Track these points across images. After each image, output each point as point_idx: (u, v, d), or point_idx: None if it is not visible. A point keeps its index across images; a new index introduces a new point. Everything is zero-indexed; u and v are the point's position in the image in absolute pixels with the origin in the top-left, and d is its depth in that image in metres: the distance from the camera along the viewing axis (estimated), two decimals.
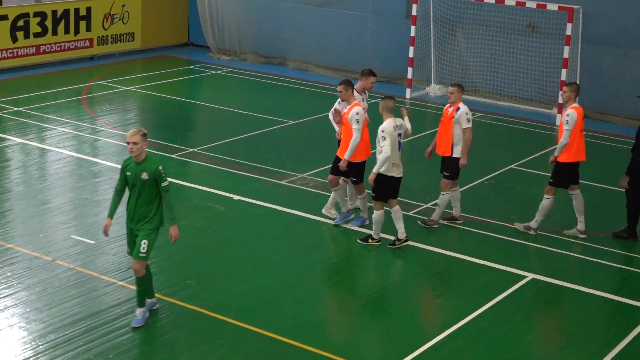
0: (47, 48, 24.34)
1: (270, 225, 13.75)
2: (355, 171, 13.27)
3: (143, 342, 10.12)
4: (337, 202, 13.82)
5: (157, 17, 27.20)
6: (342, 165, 13.15)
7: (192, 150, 17.27)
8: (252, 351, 9.99)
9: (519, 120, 21.06)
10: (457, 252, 12.97)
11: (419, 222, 13.80)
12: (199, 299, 11.10)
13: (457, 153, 13.47)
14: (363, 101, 13.61)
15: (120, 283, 11.39)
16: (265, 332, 10.37)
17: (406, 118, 13.12)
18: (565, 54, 20.83)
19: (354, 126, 12.93)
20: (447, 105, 13.73)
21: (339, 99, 13.45)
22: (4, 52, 23.31)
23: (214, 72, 25.07)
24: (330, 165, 13.60)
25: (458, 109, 13.46)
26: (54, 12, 24.30)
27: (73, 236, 12.83)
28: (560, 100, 20.88)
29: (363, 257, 12.88)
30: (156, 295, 10.76)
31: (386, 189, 12.78)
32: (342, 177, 13.52)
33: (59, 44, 24.60)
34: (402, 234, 12.97)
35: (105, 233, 10.34)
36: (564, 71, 20.90)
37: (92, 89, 22.02)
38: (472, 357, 10.18)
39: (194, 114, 21.05)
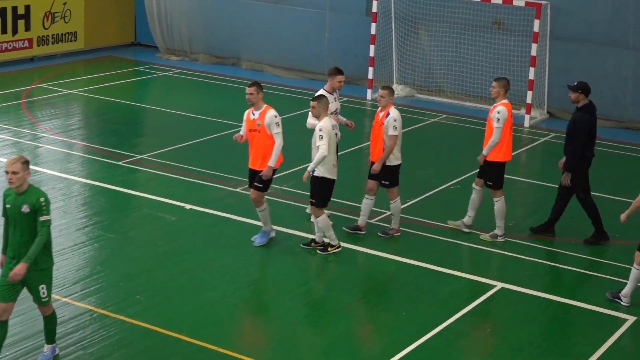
0: None
1: (224, 235, 13.71)
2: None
3: None
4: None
5: (101, 15, 27.02)
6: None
7: (140, 157, 17.17)
8: None
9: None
10: (422, 261, 13.02)
11: (379, 232, 13.85)
12: (149, 315, 11.01)
13: (390, 160, 13.45)
14: (335, 101, 13.82)
15: (63, 300, 11.28)
16: (221, 350, 10.31)
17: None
18: (533, 52, 21.03)
19: (274, 130, 12.75)
20: (379, 109, 13.62)
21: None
22: None
23: (163, 73, 24.96)
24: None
25: (388, 114, 13.37)
26: None
27: None
28: (529, 100, 21.10)
29: (323, 269, 12.88)
30: (103, 311, 10.66)
31: (329, 192, 12.92)
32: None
33: None
34: (320, 238, 13.19)
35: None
36: (532, 70, 21.10)
37: (33, 93, 21.81)
38: None
39: (142, 119, 20.93)
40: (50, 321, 9.93)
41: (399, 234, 13.81)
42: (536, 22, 20.93)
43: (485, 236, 13.88)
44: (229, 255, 12.97)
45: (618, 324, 11.47)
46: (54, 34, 25.78)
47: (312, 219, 13.30)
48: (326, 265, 12.92)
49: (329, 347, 10.70)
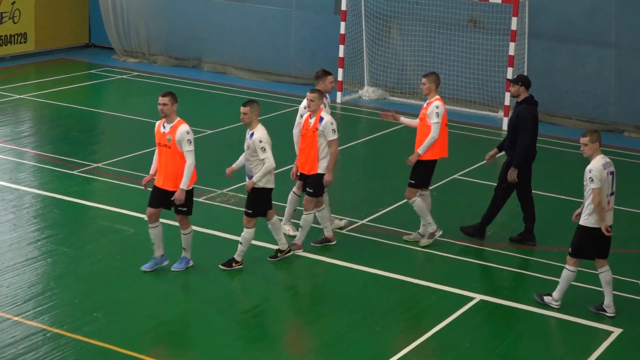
0: None
1: None
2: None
3: None
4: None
5: (53, 15, 26.90)
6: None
7: (96, 165, 17.10)
8: None
9: (461, 125, 21.30)
10: (397, 273, 13.04)
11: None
12: (106, 334, 10.96)
13: (322, 169, 13.37)
14: (326, 106, 13.68)
15: (15, 318, 11.20)
16: None
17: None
18: (511, 51, 21.17)
19: (186, 148, 12.39)
20: (307, 115, 13.45)
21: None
22: None
23: (120, 76, 24.89)
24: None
25: (321, 119, 13.25)
26: None
27: None
28: (507, 102, 21.21)
29: (291, 283, 12.88)
30: (57, 331, 10.60)
31: (266, 201, 12.88)
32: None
33: None
34: (283, 245, 13.22)
35: None
36: (510, 70, 21.21)
37: None
38: None
39: (97, 125, 20.86)
40: None
41: (301, 250, 13.63)
42: (514, 20, 21.08)
43: (410, 237, 14.08)
44: (191, 269, 12.91)
45: (603, 336, 11.55)
46: (1, 36, 25.63)
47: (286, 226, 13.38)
48: (294, 279, 12.92)
49: None
